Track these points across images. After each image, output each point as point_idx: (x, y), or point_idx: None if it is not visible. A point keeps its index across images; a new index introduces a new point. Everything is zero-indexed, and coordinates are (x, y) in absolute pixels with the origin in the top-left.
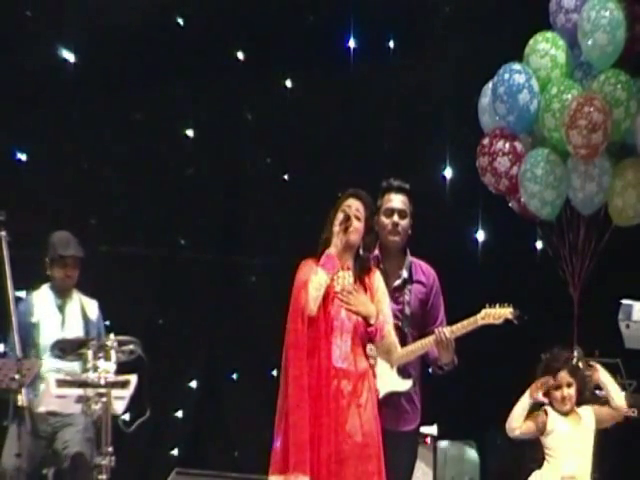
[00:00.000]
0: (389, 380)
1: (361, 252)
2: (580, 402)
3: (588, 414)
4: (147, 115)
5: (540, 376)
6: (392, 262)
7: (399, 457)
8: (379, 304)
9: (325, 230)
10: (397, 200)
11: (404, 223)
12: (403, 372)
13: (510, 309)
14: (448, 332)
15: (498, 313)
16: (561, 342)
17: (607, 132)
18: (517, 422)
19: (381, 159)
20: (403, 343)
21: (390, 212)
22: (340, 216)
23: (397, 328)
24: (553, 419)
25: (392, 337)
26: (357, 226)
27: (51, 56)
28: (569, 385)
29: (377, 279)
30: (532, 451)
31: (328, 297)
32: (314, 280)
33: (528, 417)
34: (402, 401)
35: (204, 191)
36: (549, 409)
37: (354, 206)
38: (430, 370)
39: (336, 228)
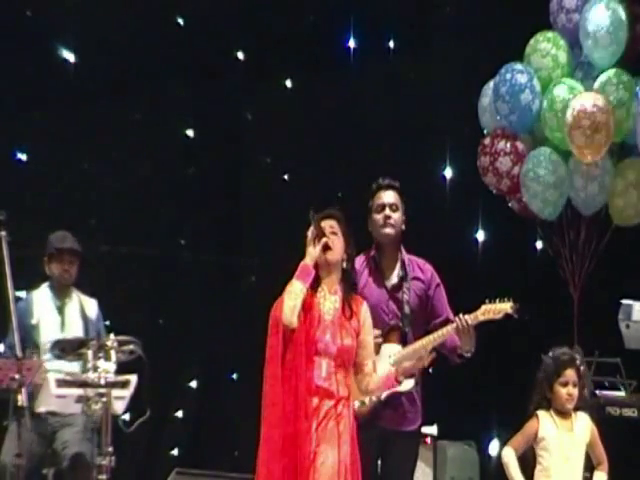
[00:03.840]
0: None
1: (344, 265)
2: (577, 407)
3: (584, 424)
4: (147, 115)
5: (547, 367)
6: (388, 260)
7: (401, 457)
8: (366, 336)
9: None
10: (387, 195)
11: (396, 216)
12: None
13: (510, 303)
14: (470, 319)
15: (498, 308)
16: (561, 342)
17: (610, 132)
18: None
19: (381, 159)
20: (403, 343)
21: (381, 207)
22: (314, 228)
23: (397, 328)
24: (544, 426)
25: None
26: (336, 242)
27: (51, 56)
28: (575, 384)
29: (364, 310)
30: (532, 452)
31: (313, 319)
32: (289, 291)
33: (520, 431)
34: (404, 401)
35: (204, 191)
36: (541, 414)
37: (327, 225)
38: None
39: (308, 238)
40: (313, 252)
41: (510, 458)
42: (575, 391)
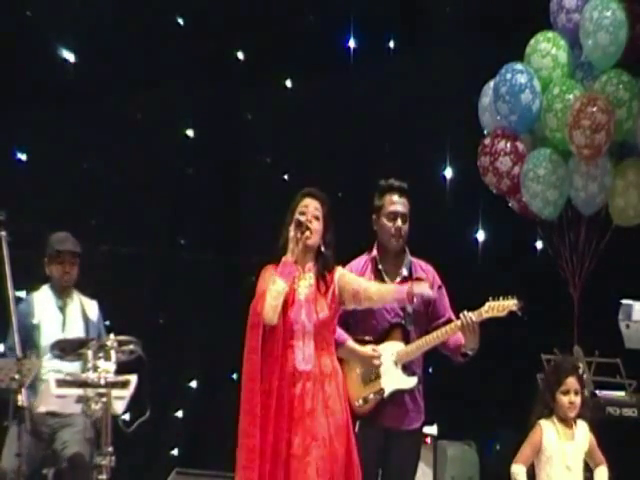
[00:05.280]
0: (394, 378)
1: (322, 249)
2: (578, 414)
3: (584, 433)
4: (147, 115)
5: (549, 375)
6: (390, 262)
7: (403, 456)
8: (352, 284)
9: (282, 232)
10: (400, 204)
11: (406, 227)
12: (408, 369)
13: (514, 301)
14: (475, 316)
15: (502, 305)
16: (561, 342)
17: (610, 132)
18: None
19: (381, 159)
20: (406, 341)
21: (394, 216)
22: (295, 220)
23: (399, 325)
24: (547, 435)
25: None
26: (316, 227)
27: (51, 56)
28: (577, 392)
29: (338, 276)
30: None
31: (288, 302)
32: (272, 289)
33: (525, 443)
34: (406, 399)
35: (204, 191)
36: (544, 423)
37: (312, 205)
38: (425, 367)
39: (291, 234)
40: (296, 250)
41: (521, 476)
42: (577, 399)
